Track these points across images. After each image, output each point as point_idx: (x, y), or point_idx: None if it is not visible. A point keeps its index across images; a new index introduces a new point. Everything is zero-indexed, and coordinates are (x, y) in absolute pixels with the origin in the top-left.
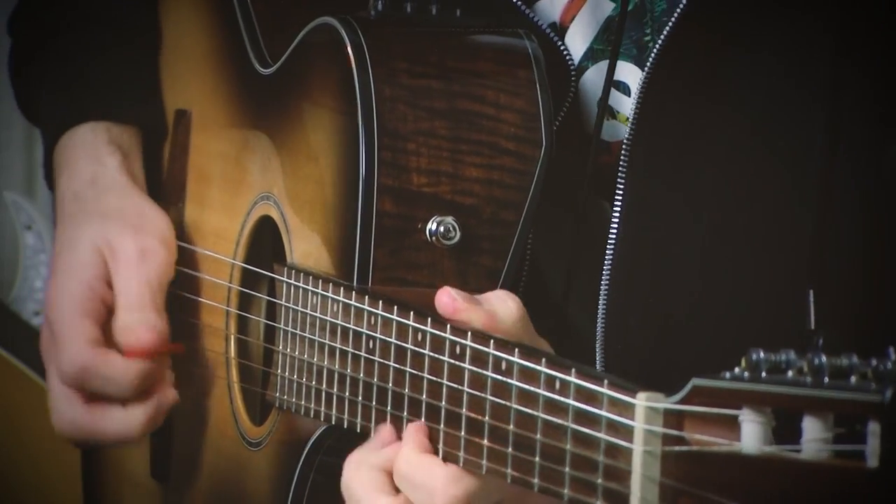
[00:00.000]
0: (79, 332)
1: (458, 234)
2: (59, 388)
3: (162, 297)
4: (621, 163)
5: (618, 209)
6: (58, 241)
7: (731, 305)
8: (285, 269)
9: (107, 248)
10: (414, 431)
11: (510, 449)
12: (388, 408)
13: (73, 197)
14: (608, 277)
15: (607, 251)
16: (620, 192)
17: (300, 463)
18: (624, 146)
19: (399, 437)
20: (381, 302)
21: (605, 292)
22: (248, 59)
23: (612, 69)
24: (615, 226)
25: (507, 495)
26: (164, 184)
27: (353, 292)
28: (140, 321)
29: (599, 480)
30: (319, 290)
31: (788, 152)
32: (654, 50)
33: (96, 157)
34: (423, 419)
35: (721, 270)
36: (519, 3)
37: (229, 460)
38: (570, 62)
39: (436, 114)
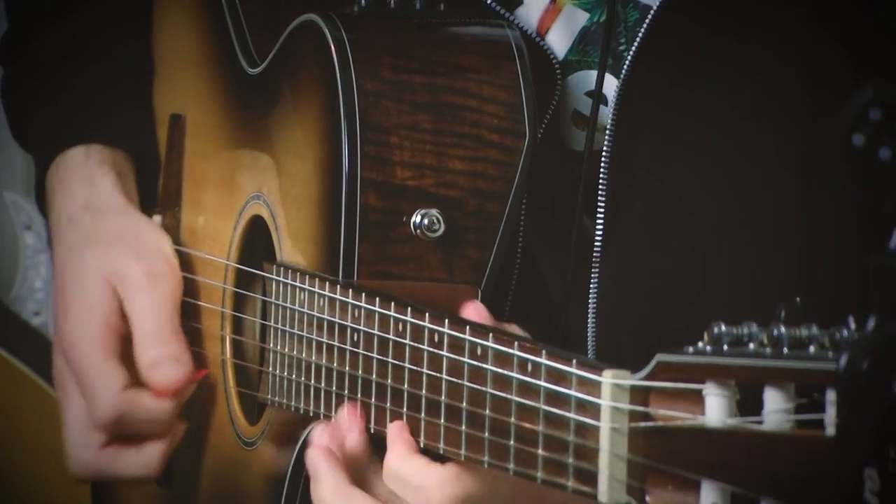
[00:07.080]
0: (110, 378)
1: (443, 226)
2: (77, 432)
3: (178, 322)
4: (601, 172)
5: (601, 218)
6: (59, 270)
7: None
8: (274, 267)
9: (114, 276)
10: (398, 431)
11: (486, 434)
12: (373, 400)
13: (68, 221)
14: (595, 296)
15: (593, 263)
16: (602, 202)
17: (293, 459)
18: (603, 156)
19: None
20: (363, 294)
21: (595, 302)
22: (237, 60)
23: (600, 82)
24: (599, 237)
25: (510, 492)
26: (160, 189)
27: (338, 286)
28: (166, 358)
29: (570, 460)
30: (306, 286)
31: (768, 155)
32: (628, 59)
33: (89, 179)
34: (405, 409)
35: (708, 280)
36: (499, 7)
37: (227, 461)
38: (554, 61)
39: (419, 107)
